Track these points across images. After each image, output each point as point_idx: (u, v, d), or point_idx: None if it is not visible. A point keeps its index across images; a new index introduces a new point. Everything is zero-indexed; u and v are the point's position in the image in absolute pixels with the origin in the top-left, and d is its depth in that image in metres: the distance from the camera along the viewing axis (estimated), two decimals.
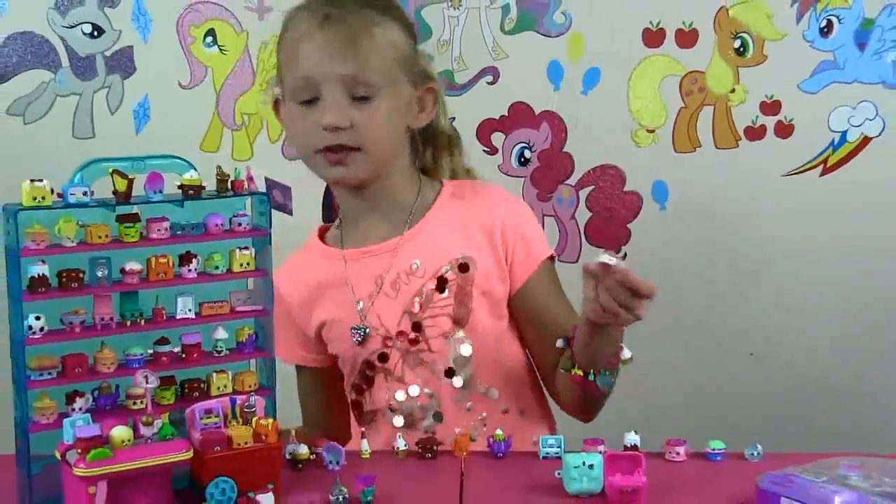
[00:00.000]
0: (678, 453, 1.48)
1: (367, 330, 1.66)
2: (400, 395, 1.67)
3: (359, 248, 1.70)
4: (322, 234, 1.77)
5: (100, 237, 1.31)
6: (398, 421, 1.67)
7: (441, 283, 1.65)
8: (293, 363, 1.78)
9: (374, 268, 1.67)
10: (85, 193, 1.31)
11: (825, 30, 2.37)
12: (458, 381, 1.66)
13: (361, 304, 1.67)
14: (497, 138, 2.42)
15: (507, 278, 1.68)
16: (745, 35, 2.38)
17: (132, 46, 2.29)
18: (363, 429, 1.68)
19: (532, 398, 1.74)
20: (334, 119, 1.58)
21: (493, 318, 1.68)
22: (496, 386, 1.68)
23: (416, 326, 1.65)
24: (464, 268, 1.65)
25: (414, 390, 1.66)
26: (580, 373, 1.56)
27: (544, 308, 1.68)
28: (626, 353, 1.56)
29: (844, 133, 2.41)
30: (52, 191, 1.30)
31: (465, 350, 1.65)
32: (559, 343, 1.60)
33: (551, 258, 1.73)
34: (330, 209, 2.37)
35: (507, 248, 1.68)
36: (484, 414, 1.67)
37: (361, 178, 1.64)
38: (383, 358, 1.67)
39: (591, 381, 1.56)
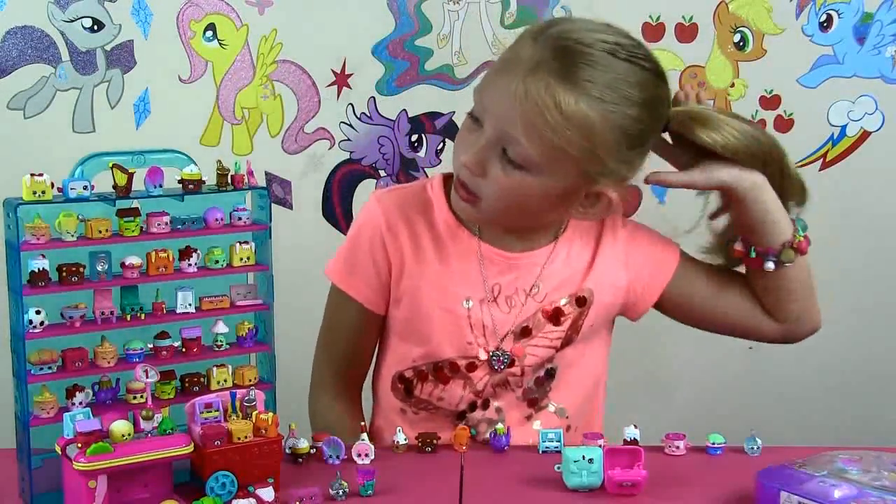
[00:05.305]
0: (678, 447, 1.48)
1: (507, 357, 1.55)
2: (473, 407, 1.58)
3: (493, 246, 1.56)
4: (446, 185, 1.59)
5: (100, 231, 1.31)
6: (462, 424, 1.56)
7: (556, 315, 1.55)
8: (349, 292, 1.60)
9: (494, 272, 1.56)
10: (85, 188, 1.31)
11: (825, 24, 2.37)
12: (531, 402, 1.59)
13: (471, 302, 1.55)
14: None
15: (637, 301, 1.61)
16: (744, 29, 2.38)
17: (132, 41, 2.29)
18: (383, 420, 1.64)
19: (596, 417, 1.66)
20: (468, 160, 1.46)
21: (583, 345, 1.59)
22: (566, 405, 1.61)
23: (518, 351, 1.55)
24: (581, 301, 1.55)
25: (486, 404, 1.58)
26: (741, 248, 1.55)
27: (692, 296, 1.63)
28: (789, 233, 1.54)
29: (844, 127, 2.41)
30: (53, 185, 1.30)
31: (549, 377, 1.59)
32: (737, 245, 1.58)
33: (680, 253, 1.65)
34: (330, 204, 2.37)
35: (635, 273, 1.59)
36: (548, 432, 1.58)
37: (485, 221, 1.54)
38: (471, 367, 1.56)
39: (756, 259, 1.54)
